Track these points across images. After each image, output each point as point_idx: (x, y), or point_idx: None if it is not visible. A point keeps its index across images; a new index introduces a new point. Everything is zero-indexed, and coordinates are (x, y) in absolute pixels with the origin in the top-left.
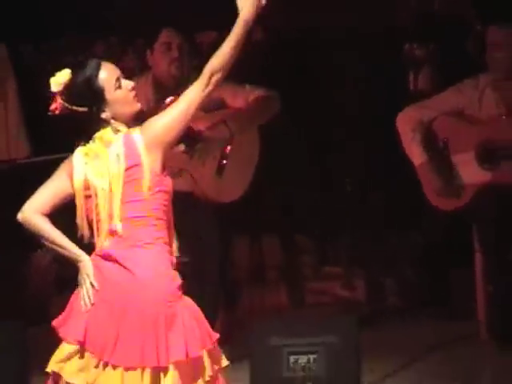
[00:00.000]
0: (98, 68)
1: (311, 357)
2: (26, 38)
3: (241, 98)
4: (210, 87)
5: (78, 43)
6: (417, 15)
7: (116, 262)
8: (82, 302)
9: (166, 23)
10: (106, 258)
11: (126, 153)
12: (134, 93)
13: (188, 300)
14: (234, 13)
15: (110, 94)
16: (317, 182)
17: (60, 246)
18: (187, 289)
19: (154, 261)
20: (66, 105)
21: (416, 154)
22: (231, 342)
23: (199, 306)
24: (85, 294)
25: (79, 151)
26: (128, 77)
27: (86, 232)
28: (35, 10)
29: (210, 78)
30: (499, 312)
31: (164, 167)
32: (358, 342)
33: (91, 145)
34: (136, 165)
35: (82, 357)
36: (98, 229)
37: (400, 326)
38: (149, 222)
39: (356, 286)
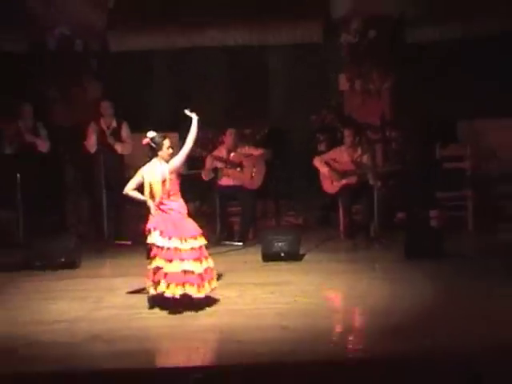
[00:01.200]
0: (164, 138)
1: (285, 243)
2: None
3: (259, 151)
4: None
5: None
6: None
7: (163, 205)
8: (152, 215)
9: None
10: (160, 205)
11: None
12: (171, 150)
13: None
14: None
15: (163, 150)
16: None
17: (140, 200)
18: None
19: (178, 203)
20: (152, 145)
21: (323, 168)
22: (253, 239)
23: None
24: (153, 213)
25: (146, 167)
26: None
27: (149, 198)
28: None
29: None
30: (347, 226)
31: (178, 175)
32: (299, 238)
33: (150, 164)
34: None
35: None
36: (153, 197)
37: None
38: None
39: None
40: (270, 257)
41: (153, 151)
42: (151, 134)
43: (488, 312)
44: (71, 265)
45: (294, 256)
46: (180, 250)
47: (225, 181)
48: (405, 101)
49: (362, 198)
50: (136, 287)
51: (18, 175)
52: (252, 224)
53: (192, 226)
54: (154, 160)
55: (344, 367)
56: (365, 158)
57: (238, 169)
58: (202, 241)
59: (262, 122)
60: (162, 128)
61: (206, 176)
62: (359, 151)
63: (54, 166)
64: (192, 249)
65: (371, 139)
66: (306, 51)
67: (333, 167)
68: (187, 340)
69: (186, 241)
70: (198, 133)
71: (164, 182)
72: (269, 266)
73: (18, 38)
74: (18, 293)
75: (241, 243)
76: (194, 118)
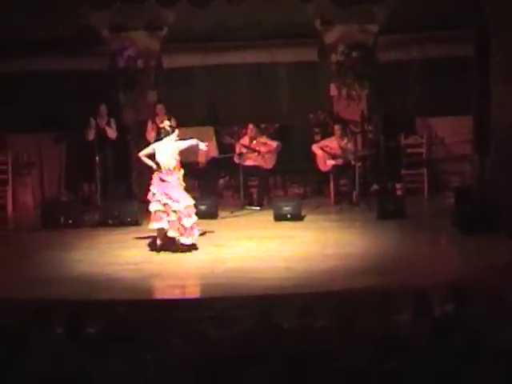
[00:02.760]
0: (174, 129)
1: (290, 207)
2: None
3: (272, 143)
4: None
5: None
6: None
7: (163, 174)
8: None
9: None
10: (160, 174)
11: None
12: (177, 137)
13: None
14: None
15: (173, 135)
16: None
17: (148, 164)
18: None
19: (173, 176)
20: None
21: (318, 152)
22: (267, 204)
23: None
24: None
25: (158, 143)
26: None
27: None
28: None
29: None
30: (335, 195)
31: (180, 152)
32: (301, 204)
33: (162, 142)
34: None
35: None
36: (159, 167)
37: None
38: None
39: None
40: (279, 217)
41: (166, 134)
42: (167, 123)
43: (435, 255)
44: (135, 223)
45: (297, 217)
46: (170, 206)
47: (247, 162)
48: (378, 103)
49: (346, 174)
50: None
51: (97, 157)
52: (266, 193)
53: (180, 193)
54: (165, 140)
55: (331, 296)
56: (349, 145)
57: (256, 154)
58: (185, 203)
59: (273, 119)
60: (199, 123)
61: (237, 159)
62: (345, 140)
63: (124, 151)
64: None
65: (354, 131)
66: (306, 67)
67: (326, 152)
68: (217, 278)
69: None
70: (191, 146)
71: (170, 157)
72: (278, 224)
73: (97, 59)
74: (99, 242)
75: (258, 207)
76: (195, 141)
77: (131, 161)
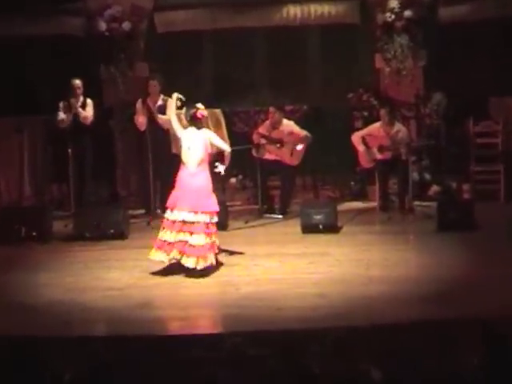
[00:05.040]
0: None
1: (321, 215)
2: None
3: (300, 132)
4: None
5: None
6: None
7: (187, 170)
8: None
9: None
10: (185, 170)
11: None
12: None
13: None
14: None
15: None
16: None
17: (221, 148)
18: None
19: (204, 175)
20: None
21: (360, 146)
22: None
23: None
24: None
25: (186, 129)
26: None
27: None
28: None
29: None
30: (382, 200)
31: (210, 147)
32: (336, 210)
33: (188, 130)
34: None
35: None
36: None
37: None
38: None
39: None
40: (308, 229)
41: (196, 123)
42: (200, 105)
43: None
44: (120, 236)
45: (331, 228)
46: (186, 222)
47: (266, 156)
48: (438, 78)
49: (396, 173)
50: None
51: (70, 150)
52: (291, 198)
53: (207, 200)
54: (191, 129)
55: (377, 331)
56: (400, 134)
57: (278, 145)
58: (207, 217)
59: (301, 100)
60: (204, 105)
61: (254, 152)
62: (395, 127)
63: (106, 142)
64: (197, 222)
65: (406, 116)
66: (344, 31)
67: (369, 143)
68: (228, 307)
69: (196, 214)
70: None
71: (199, 149)
72: (307, 237)
73: (70, 20)
74: (73, 261)
75: (281, 216)
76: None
77: (115, 154)
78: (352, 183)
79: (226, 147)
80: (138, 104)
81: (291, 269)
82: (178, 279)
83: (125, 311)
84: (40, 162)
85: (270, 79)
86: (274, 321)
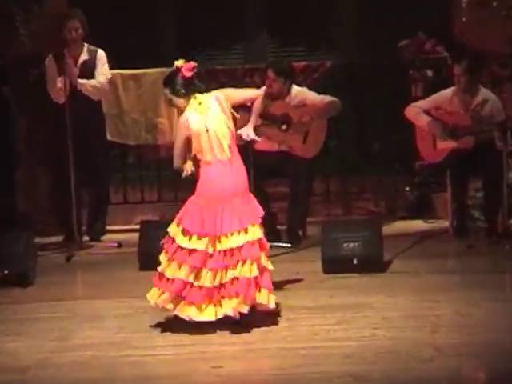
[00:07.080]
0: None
1: (355, 243)
2: None
3: (318, 101)
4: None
5: None
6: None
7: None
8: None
9: None
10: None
11: None
12: None
13: None
14: None
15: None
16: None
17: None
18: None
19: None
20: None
21: (422, 119)
22: (309, 237)
23: (292, 211)
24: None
25: (188, 109)
26: None
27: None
28: None
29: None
30: (458, 217)
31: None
32: (380, 235)
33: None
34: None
35: None
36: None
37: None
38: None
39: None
40: (335, 265)
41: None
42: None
43: None
44: (21, 280)
45: (372, 264)
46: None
47: (262, 144)
48: None
49: (483, 172)
50: (125, 313)
51: None
52: (306, 215)
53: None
54: (193, 102)
55: None
56: (488, 107)
57: (284, 126)
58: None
59: (321, 51)
60: (160, 65)
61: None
62: (479, 96)
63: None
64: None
65: (498, 76)
66: None
67: (436, 121)
68: None
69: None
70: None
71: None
72: (333, 279)
73: None
74: None
75: (289, 244)
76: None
77: (13, 142)
78: (407, 189)
79: (256, 92)
80: (49, 60)
81: (307, 333)
82: (119, 350)
83: None
84: None
85: (270, 18)
86: None
